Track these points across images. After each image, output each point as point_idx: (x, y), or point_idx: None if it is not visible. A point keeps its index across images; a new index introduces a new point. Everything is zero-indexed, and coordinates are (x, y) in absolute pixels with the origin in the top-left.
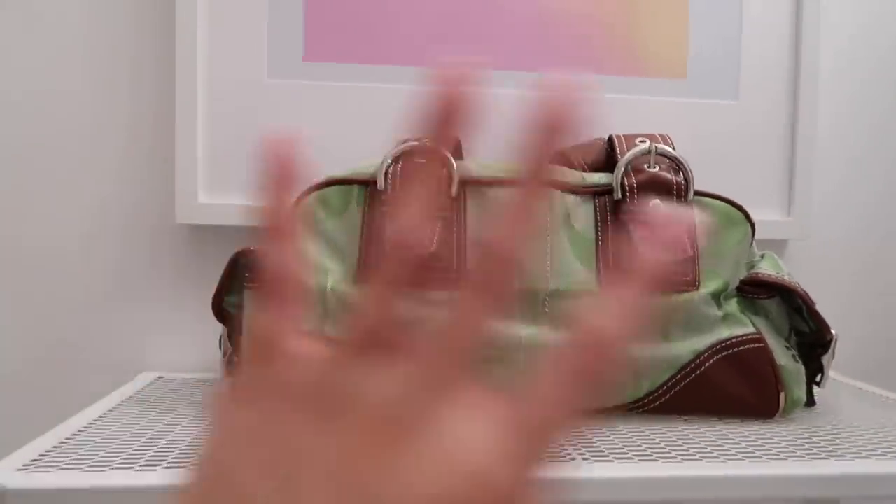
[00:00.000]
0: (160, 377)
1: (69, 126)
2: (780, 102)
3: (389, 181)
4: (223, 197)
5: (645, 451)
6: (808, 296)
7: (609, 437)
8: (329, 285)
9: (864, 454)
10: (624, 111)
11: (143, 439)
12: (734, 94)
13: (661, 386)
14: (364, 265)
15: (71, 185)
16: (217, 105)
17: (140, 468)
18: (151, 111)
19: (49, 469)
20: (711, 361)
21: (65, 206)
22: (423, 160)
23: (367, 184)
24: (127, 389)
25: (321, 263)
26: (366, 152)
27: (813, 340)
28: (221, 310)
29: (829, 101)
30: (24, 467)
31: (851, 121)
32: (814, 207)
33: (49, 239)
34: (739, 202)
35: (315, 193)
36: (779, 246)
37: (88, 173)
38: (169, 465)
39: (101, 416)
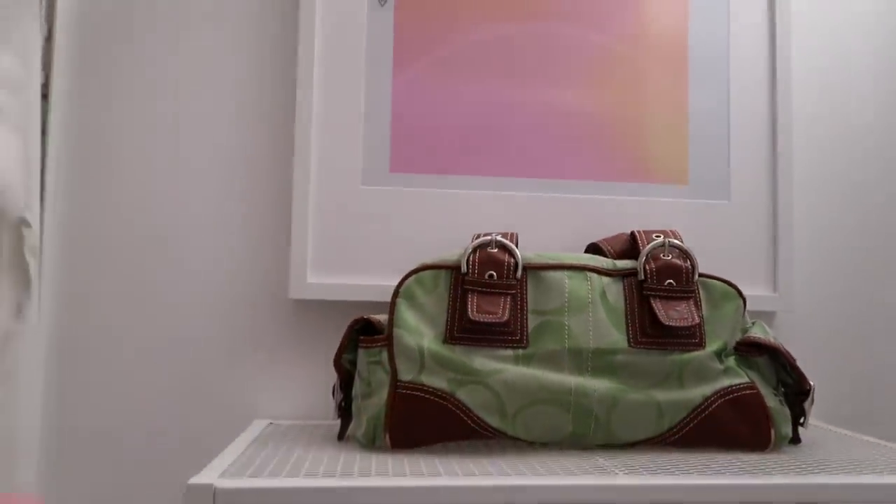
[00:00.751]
0: (271, 423)
1: (204, 221)
2: (763, 200)
3: (470, 266)
4: (326, 278)
5: (669, 468)
6: (789, 354)
7: (640, 459)
8: (425, 344)
9: (846, 471)
10: (638, 210)
11: (291, 461)
12: (727, 196)
13: (679, 423)
14: (451, 330)
15: (207, 269)
16: (322, 205)
17: (304, 476)
18: (271, 208)
19: (239, 476)
20: (716, 404)
21: (200, 291)
22: (496, 250)
23: (452, 269)
24: (250, 433)
25: (418, 328)
26: (433, 247)
27: (795, 390)
28: (340, 364)
29: (806, 195)
30: (222, 475)
31: (827, 212)
32: (795, 285)
33: (186, 303)
34: (733, 281)
35: (414, 276)
36: (768, 317)
37: (222, 257)
38: (323, 475)
39: (247, 447)
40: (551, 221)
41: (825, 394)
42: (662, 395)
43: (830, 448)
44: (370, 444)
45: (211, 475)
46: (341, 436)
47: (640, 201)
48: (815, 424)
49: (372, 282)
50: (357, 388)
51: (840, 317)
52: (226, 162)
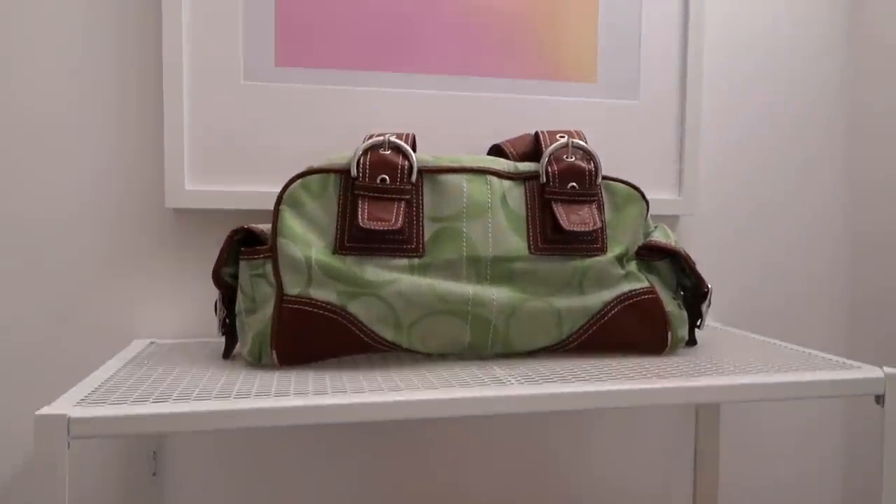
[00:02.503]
0: (152, 342)
1: (66, 122)
2: (671, 101)
3: (360, 169)
4: (205, 184)
5: (566, 376)
6: (689, 257)
7: (538, 368)
8: (313, 255)
9: (737, 371)
10: (546, 109)
11: (166, 382)
12: (636, 96)
13: (579, 329)
14: (341, 240)
15: (72, 174)
16: (199, 104)
17: (174, 400)
18: (139, 108)
19: (99, 404)
20: (616, 310)
21: (65, 195)
22: (388, 152)
23: (341, 172)
24: (127, 353)
25: (305, 238)
26: (324, 149)
27: (694, 293)
28: (220, 278)
29: (712, 98)
30: (79, 403)
31: (730, 115)
32: (699, 188)
33: (49, 219)
34: (637, 184)
35: (299, 181)
36: (672, 220)
37: (88, 161)
38: (198, 398)
39: (119, 370)
40: (453, 122)
41: (723, 296)
42: (562, 303)
43: (724, 348)
44: (256, 361)
45: (65, 404)
46: (226, 354)
47: (547, 100)
48: (713, 325)
49: (257, 188)
50: (240, 303)
51: (739, 219)
52: (88, 56)
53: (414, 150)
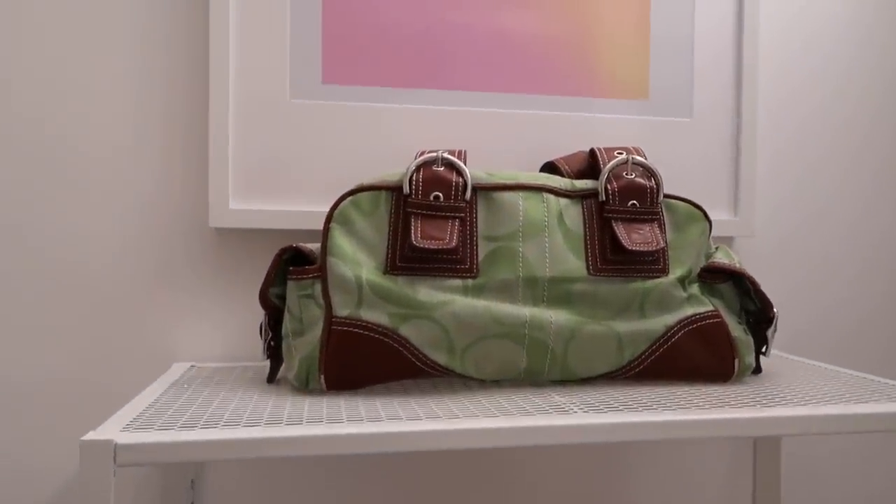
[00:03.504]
0: (193, 366)
1: (113, 142)
2: (725, 117)
3: (413, 186)
4: (250, 203)
5: (631, 405)
6: (754, 280)
7: (598, 395)
8: (363, 276)
9: (801, 403)
10: (595, 127)
11: (212, 407)
12: (689, 113)
13: (641, 355)
14: (392, 259)
15: (115, 194)
16: (246, 122)
17: (222, 427)
18: (186, 127)
19: (145, 429)
20: (680, 334)
21: (110, 215)
22: (442, 169)
23: (393, 190)
24: (169, 376)
25: (355, 257)
26: (372, 167)
27: (759, 317)
28: (267, 299)
29: (770, 114)
30: (125, 428)
31: (789, 133)
32: (756, 209)
33: (93, 238)
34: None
35: (349, 199)
36: (727, 242)
37: (132, 181)
38: (246, 425)
39: (162, 394)
40: (502, 139)
41: (785, 323)
42: (623, 327)
43: (792, 377)
44: (303, 386)
45: (111, 430)
46: (271, 378)
47: (597, 118)
48: (775, 353)
49: (303, 207)
50: (287, 325)
51: (802, 243)
52: (135, 77)
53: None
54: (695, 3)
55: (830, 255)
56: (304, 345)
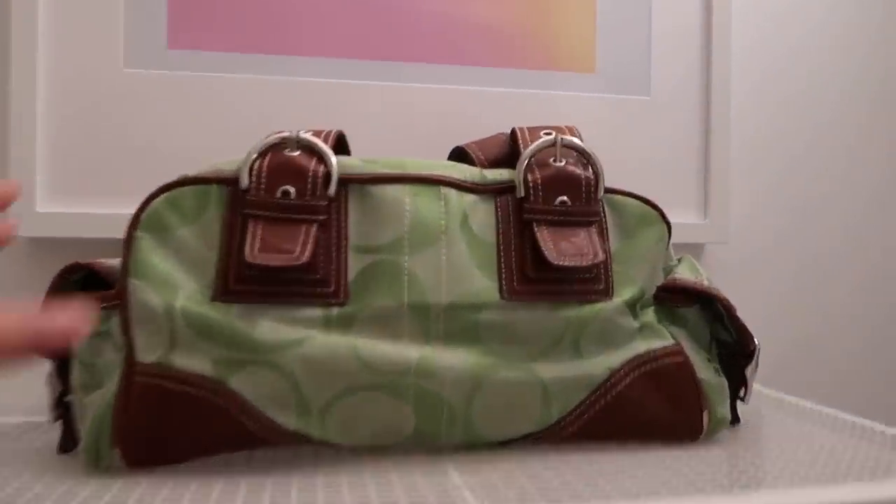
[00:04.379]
0: None
1: None
2: (693, 98)
3: (254, 177)
4: (68, 206)
5: (555, 488)
6: (728, 303)
7: (514, 474)
8: (178, 305)
9: (791, 479)
10: (528, 106)
11: None
12: (646, 90)
13: (575, 409)
14: (223, 281)
15: None
16: (62, 101)
17: None
18: None
19: None
20: (629, 379)
21: None
22: (297, 153)
23: (228, 183)
24: None
25: (170, 278)
26: (230, 155)
27: (735, 350)
28: None
29: (745, 95)
30: None
31: (769, 117)
32: (732, 209)
33: None
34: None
35: (164, 196)
36: (694, 250)
37: None
38: None
39: None
40: (403, 121)
41: (762, 349)
42: (550, 371)
43: (779, 430)
44: (94, 461)
45: None
46: (64, 447)
47: (527, 94)
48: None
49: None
50: (75, 375)
51: (786, 252)
52: None
53: (347, 152)
54: None
55: (820, 267)
56: (95, 403)
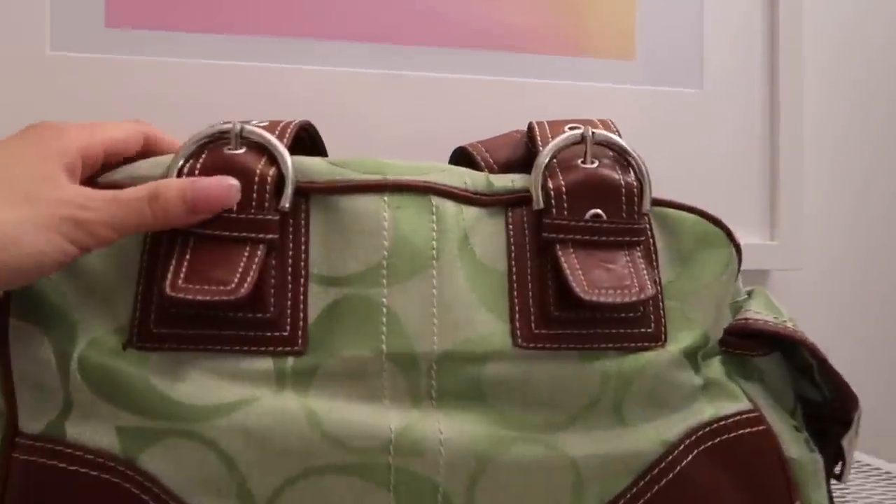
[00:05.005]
0: None
1: None
2: (758, 93)
3: None
4: None
5: None
6: (818, 350)
7: None
8: (76, 354)
9: None
10: (553, 100)
11: None
12: (698, 82)
13: (617, 499)
14: (141, 322)
15: None
16: None
17: None
18: None
19: None
20: (690, 457)
21: None
22: (241, 152)
23: None
24: None
25: (69, 318)
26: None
27: (824, 413)
28: None
29: (821, 87)
30: None
31: (851, 114)
32: (805, 228)
33: None
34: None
35: None
36: (758, 279)
37: None
38: None
39: None
40: (398, 119)
41: None
42: (582, 446)
43: None
44: None
45: None
46: None
47: (552, 86)
48: None
49: None
50: None
51: (869, 281)
52: None
53: (320, 154)
54: None
55: None
56: None
